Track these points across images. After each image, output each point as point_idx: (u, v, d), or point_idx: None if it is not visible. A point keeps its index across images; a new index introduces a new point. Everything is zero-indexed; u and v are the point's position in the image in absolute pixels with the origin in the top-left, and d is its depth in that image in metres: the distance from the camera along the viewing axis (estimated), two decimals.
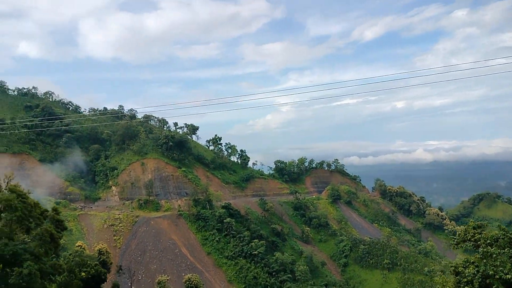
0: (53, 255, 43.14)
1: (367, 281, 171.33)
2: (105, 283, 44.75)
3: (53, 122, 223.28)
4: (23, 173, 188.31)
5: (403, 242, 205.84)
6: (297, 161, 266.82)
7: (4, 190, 42.68)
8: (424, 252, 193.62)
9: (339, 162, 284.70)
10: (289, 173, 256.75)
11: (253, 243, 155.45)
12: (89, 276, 43.32)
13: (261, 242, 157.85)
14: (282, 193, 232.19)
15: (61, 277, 42.40)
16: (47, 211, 44.48)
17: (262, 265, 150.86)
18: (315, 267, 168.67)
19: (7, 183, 42.31)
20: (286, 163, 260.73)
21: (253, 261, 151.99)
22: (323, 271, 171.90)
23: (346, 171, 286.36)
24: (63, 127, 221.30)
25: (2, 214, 40.27)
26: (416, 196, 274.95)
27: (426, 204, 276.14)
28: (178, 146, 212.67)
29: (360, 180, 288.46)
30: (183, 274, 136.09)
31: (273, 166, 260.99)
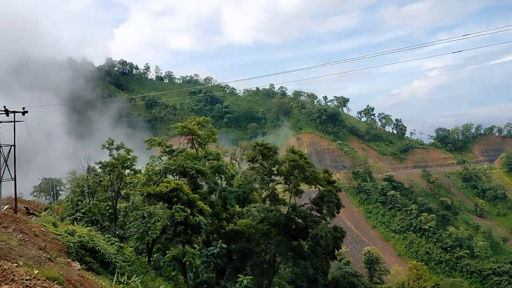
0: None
1: None
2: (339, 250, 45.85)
3: (215, 104, 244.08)
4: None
5: None
6: (461, 128, 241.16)
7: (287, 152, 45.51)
8: None
9: None
10: (453, 141, 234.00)
11: (422, 217, 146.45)
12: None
13: (431, 215, 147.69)
14: (447, 164, 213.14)
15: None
16: (317, 172, 45.46)
17: (435, 240, 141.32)
18: (496, 243, 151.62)
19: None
20: (449, 130, 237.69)
21: (423, 236, 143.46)
22: (505, 248, 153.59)
23: None
24: (224, 109, 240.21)
25: (291, 175, 42.61)
26: None
27: None
28: (331, 119, 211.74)
29: None
30: (349, 247, 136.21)
31: (433, 135, 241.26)
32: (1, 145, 25.87)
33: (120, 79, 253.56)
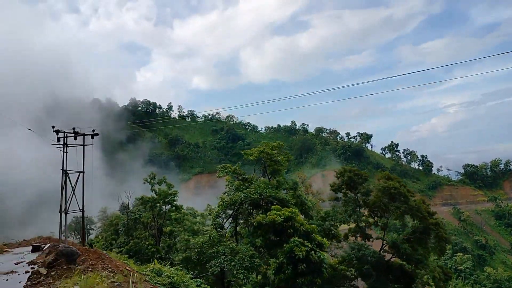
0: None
1: None
2: None
3: (237, 142, 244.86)
4: (218, 190, 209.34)
5: None
6: (489, 164, 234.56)
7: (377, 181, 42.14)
8: None
9: None
10: (481, 178, 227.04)
11: (457, 257, 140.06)
12: None
13: (467, 255, 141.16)
14: (477, 201, 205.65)
15: None
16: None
17: (472, 281, 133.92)
18: None
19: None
20: (477, 166, 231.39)
21: (460, 277, 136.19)
22: None
23: None
24: (246, 146, 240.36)
25: (390, 205, 39.39)
26: None
27: None
28: (355, 156, 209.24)
29: None
30: None
31: (458, 171, 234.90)
32: (68, 171, 24.79)
33: (144, 118, 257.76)
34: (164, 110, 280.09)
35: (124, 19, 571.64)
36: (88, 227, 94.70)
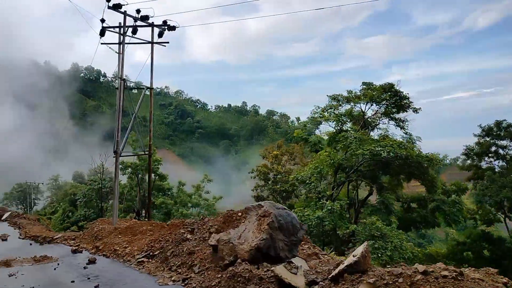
0: None
1: None
2: None
3: (186, 119, 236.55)
4: (165, 167, 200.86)
5: None
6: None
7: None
8: None
9: None
10: None
11: None
12: None
13: None
14: None
15: None
16: None
17: None
18: None
19: None
20: None
21: None
22: None
23: None
24: (195, 124, 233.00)
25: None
26: None
27: None
28: (306, 140, 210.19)
29: None
30: None
31: None
32: (126, 80, 19.16)
33: (87, 86, 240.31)
34: (109, 79, 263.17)
35: None
36: (34, 197, 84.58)
